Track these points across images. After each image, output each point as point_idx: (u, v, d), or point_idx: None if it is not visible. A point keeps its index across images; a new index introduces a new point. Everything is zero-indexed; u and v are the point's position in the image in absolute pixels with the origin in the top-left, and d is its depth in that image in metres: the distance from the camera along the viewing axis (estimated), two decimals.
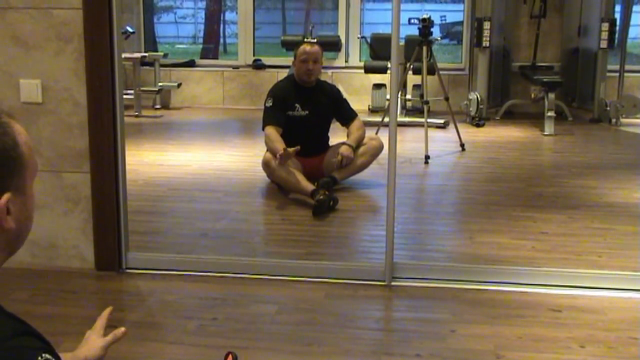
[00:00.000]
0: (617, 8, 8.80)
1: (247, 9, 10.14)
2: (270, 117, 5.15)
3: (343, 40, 9.83)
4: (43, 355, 1.14)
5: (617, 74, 8.42)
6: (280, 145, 4.93)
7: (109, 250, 3.61)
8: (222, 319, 3.09)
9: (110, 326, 3.05)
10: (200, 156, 6.55)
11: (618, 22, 8.54)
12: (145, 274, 3.59)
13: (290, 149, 4.81)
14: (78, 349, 1.76)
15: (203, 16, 13.74)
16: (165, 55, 10.04)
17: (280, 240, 4.34)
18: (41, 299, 3.31)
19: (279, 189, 5.10)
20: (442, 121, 7.96)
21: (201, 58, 11.57)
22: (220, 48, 13.45)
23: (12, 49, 3.48)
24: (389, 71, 8.34)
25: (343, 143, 5.29)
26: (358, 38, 9.86)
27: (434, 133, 7.21)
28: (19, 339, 1.14)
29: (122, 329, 1.82)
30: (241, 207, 4.97)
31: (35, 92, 3.49)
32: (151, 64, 9.35)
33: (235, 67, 9.97)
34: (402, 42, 7.76)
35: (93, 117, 3.49)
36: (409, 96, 8.71)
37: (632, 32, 9.04)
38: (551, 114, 7.74)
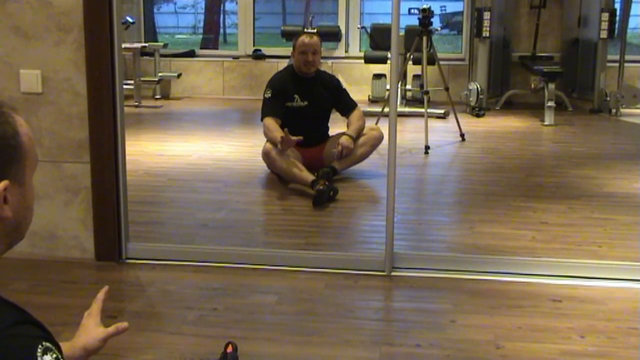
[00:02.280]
0: None
1: None
2: (269, 108, 5.15)
3: (343, 31, 9.82)
4: (43, 343, 1.14)
5: (617, 64, 8.41)
6: (279, 134, 4.92)
7: (109, 240, 3.61)
8: (222, 309, 3.09)
9: (110, 317, 3.06)
10: (200, 146, 6.55)
11: (618, 12, 8.52)
12: (145, 264, 3.60)
13: (293, 137, 4.80)
14: (76, 336, 1.75)
15: (203, 6, 13.74)
16: (165, 46, 10.03)
17: (280, 230, 4.34)
18: (41, 289, 3.31)
19: (278, 179, 5.10)
20: (442, 111, 7.96)
21: (201, 48, 11.56)
22: (220, 38, 13.44)
23: (12, 39, 3.47)
24: (389, 61, 8.32)
25: (343, 133, 5.29)
26: (358, 28, 9.84)
27: (434, 123, 7.20)
28: (20, 327, 1.15)
29: (125, 324, 1.78)
30: (241, 197, 4.97)
31: (35, 83, 3.49)
32: (151, 54, 9.34)
33: (235, 58, 9.96)
34: (402, 32, 7.75)
35: (93, 108, 3.49)
36: (409, 86, 8.70)
37: (632, 22, 9.04)
38: (551, 104, 7.74)
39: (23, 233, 1.30)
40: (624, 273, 3.43)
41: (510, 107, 8.86)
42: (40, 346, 1.13)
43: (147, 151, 6.16)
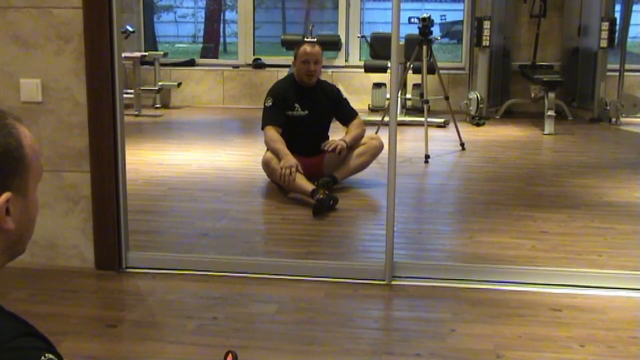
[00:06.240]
0: (617, 7, 8.81)
1: (247, 8, 10.15)
2: (270, 117, 5.15)
3: (343, 40, 9.84)
4: (46, 355, 1.14)
5: (617, 74, 8.42)
6: (281, 146, 4.94)
7: (109, 249, 3.61)
8: (222, 318, 3.09)
9: (110, 326, 3.07)
10: (200, 155, 6.55)
11: (618, 22, 8.54)
12: (146, 274, 3.59)
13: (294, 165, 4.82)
14: None
15: (203, 15, 13.76)
16: (165, 55, 10.05)
17: (280, 239, 4.34)
18: (41, 299, 3.31)
19: (278, 189, 5.10)
20: (442, 120, 7.96)
21: (201, 57, 11.58)
22: (220, 47, 13.46)
23: (12, 48, 3.48)
24: (389, 70, 8.34)
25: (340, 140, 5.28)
26: (358, 37, 9.86)
27: (434, 132, 7.21)
28: (22, 340, 1.14)
29: None
30: (241, 206, 4.97)
31: (35, 92, 3.49)
32: (151, 63, 9.35)
33: (235, 67, 9.97)
34: (402, 42, 7.76)
35: (93, 117, 3.49)
36: (409, 95, 8.71)
37: (632, 31, 9.05)
38: (551, 113, 7.74)
39: (25, 245, 1.30)
40: (624, 282, 3.43)
41: (510, 116, 8.87)
42: (43, 358, 1.13)
43: (147, 160, 6.16)
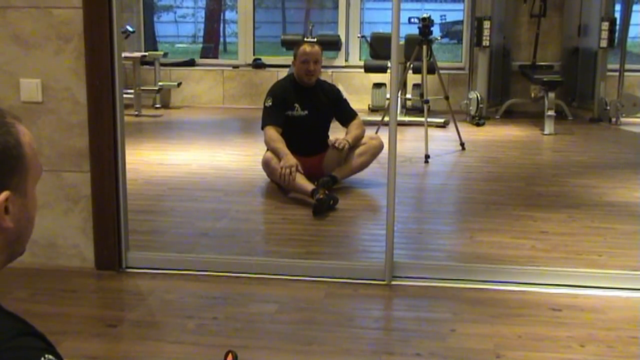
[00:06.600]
0: (617, 7, 8.80)
1: (247, 8, 10.14)
2: (270, 116, 5.15)
3: (343, 40, 9.83)
4: (46, 356, 1.13)
5: (617, 73, 8.42)
6: (281, 145, 4.94)
7: (109, 249, 3.61)
8: (222, 318, 3.09)
9: (110, 325, 3.07)
10: (200, 155, 6.55)
11: (618, 21, 8.54)
12: (145, 273, 3.59)
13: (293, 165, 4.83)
14: None
15: (203, 15, 13.75)
16: (165, 55, 10.04)
17: (280, 239, 4.34)
18: (41, 298, 3.31)
19: (278, 188, 5.10)
20: (442, 120, 7.96)
21: (201, 57, 11.57)
22: (220, 47, 13.45)
23: (13, 48, 3.48)
24: (389, 70, 8.34)
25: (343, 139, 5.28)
26: (358, 37, 9.85)
27: (434, 132, 7.21)
28: (23, 339, 1.14)
29: None
30: (241, 206, 4.97)
31: (35, 92, 3.49)
32: (151, 63, 9.35)
33: (235, 67, 9.97)
34: (402, 42, 7.76)
35: (93, 117, 3.49)
36: (409, 95, 8.71)
37: (632, 31, 9.05)
38: (551, 113, 7.74)
39: (24, 245, 1.30)
40: (623, 282, 3.43)
41: (510, 116, 8.86)
42: (43, 358, 1.13)
43: (147, 160, 6.16)
